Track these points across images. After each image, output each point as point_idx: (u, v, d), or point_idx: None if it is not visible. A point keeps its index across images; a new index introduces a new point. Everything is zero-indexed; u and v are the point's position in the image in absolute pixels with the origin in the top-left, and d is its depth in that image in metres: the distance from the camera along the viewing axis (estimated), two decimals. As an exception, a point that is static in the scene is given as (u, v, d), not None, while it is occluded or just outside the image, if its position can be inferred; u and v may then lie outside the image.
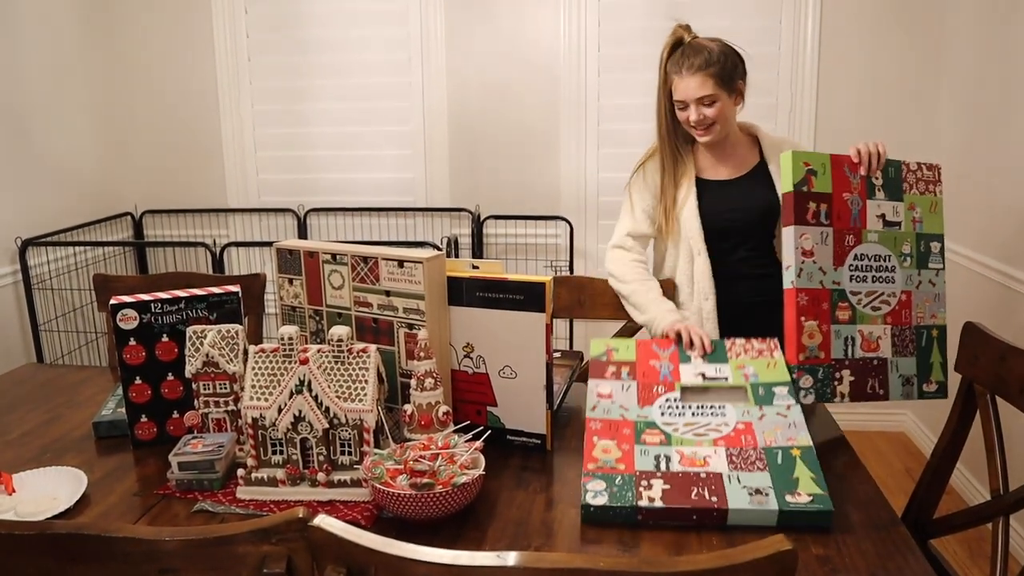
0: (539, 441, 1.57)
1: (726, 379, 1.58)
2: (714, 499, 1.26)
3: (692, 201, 2.04)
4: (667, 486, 1.29)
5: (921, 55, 3.23)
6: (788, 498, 1.25)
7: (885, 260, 1.69)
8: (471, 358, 1.59)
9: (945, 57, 3.19)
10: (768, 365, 1.61)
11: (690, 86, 1.92)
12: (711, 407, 1.50)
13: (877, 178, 1.73)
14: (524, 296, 1.52)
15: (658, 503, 1.26)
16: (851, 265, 1.67)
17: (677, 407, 1.50)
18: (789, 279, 1.65)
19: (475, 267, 1.59)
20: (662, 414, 1.49)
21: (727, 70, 1.92)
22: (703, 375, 1.60)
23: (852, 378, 1.63)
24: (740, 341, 1.70)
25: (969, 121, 3.01)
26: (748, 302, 2.05)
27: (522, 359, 1.55)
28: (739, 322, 1.99)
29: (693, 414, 1.48)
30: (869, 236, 1.69)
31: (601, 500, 1.27)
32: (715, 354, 1.67)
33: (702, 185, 2.06)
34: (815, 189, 1.67)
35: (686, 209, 2.04)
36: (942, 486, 1.64)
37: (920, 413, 3.43)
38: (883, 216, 1.71)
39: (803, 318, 1.62)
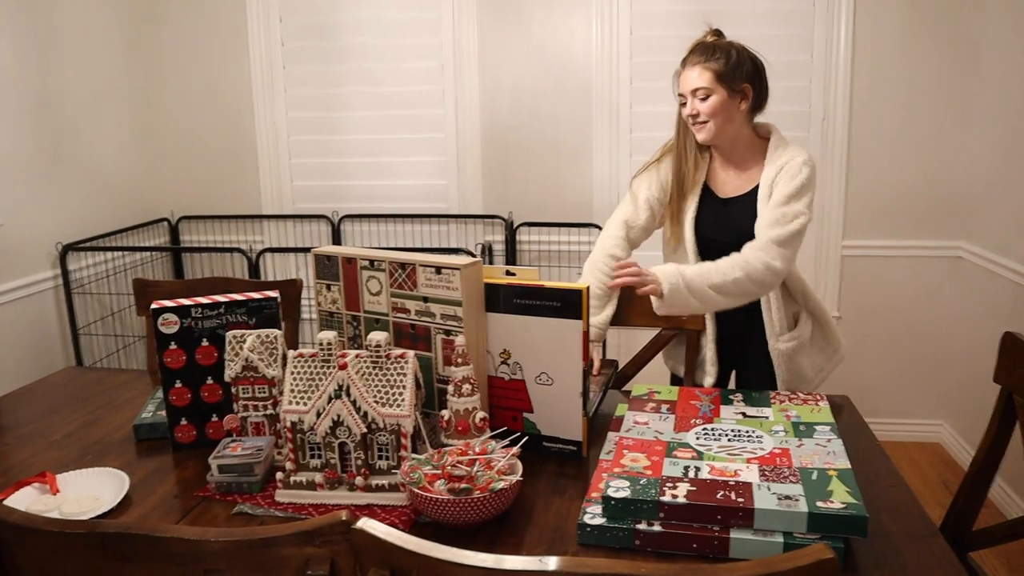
0: (575, 448, 1.57)
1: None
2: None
3: (691, 214, 2.02)
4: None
5: (956, 60, 3.20)
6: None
7: (747, 432, 1.49)
8: (508, 364, 1.60)
9: (981, 62, 3.15)
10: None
11: (688, 78, 1.91)
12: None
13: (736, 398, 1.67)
14: (561, 303, 1.52)
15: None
16: (697, 432, 1.50)
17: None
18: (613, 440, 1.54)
19: (511, 273, 1.60)
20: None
21: (730, 67, 1.89)
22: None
23: (692, 488, 1.27)
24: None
25: (1006, 129, 2.97)
26: (733, 319, 2.04)
27: (558, 366, 1.55)
28: (732, 334, 2.02)
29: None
30: (723, 422, 1.54)
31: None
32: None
33: (706, 198, 2.03)
34: (658, 397, 1.68)
35: (686, 222, 2.03)
36: (981, 497, 1.62)
37: (956, 424, 3.38)
38: (743, 413, 1.59)
39: (625, 451, 1.43)
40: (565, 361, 1.54)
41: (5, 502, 1.36)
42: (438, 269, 1.53)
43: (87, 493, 1.46)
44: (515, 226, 3.52)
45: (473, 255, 3.22)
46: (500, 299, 1.58)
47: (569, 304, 1.51)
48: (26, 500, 1.43)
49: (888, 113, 3.28)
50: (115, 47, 3.55)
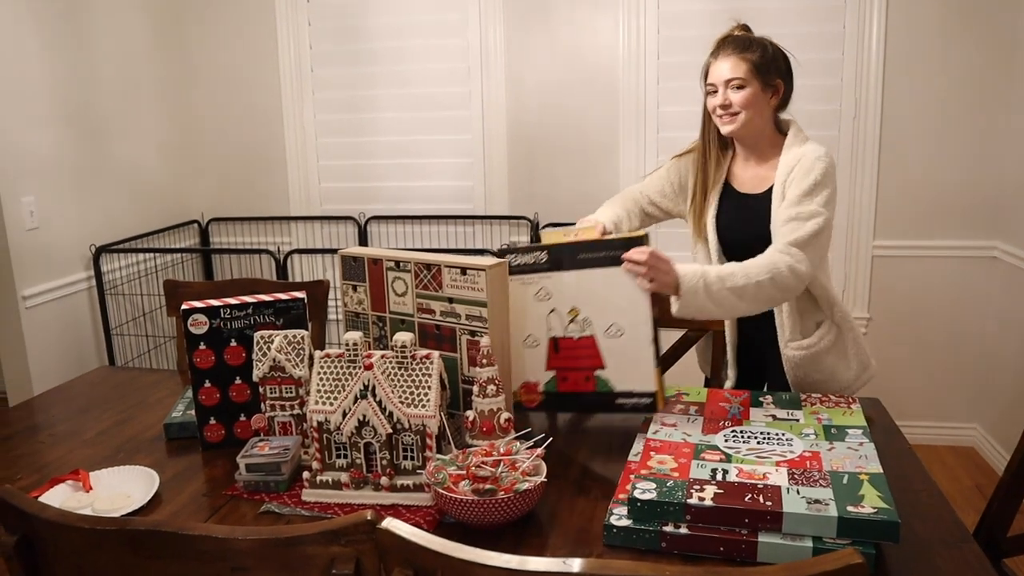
0: (650, 399, 1.57)
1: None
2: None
3: (712, 211, 1.99)
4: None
5: (991, 57, 3.14)
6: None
7: (776, 435, 1.47)
8: (576, 323, 1.61)
9: (1017, 58, 3.10)
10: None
11: (722, 68, 1.87)
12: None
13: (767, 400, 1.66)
14: (623, 251, 1.56)
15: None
16: (726, 435, 1.48)
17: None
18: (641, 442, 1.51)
19: (573, 233, 1.64)
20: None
21: (765, 60, 1.86)
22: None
23: (719, 491, 1.25)
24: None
25: (1043, 127, 2.92)
26: (749, 320, 1.98)
27: (627, 315, 1.56)
28: (750, 336, 1.98)
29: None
30: (752, 424, 1.53)
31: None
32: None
33: (727, 195, 1.99)
34: (686, 399, 1.66)
35: (708, 219, 1.99)
36: (1016, 503, 1.59)
37: (991, 428, 3.33)
38: (772, 415, 1.57)
39: (653, 453, 1.42)
40: (633, 310, 1.56)
41: (40, 499, 1.39)
42: (463, 270, 1.53)
43: (119, 491, 1.48)
44: (541, 227, 3.52)
45: (499, 256, 3.22)
46: (564, 259, 1.60)
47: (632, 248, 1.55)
48: (60, 497, 1.46)
49: (921, 111, 3.23)
50: (146, 52, 3.60)
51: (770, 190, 1.91)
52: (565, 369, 1.64)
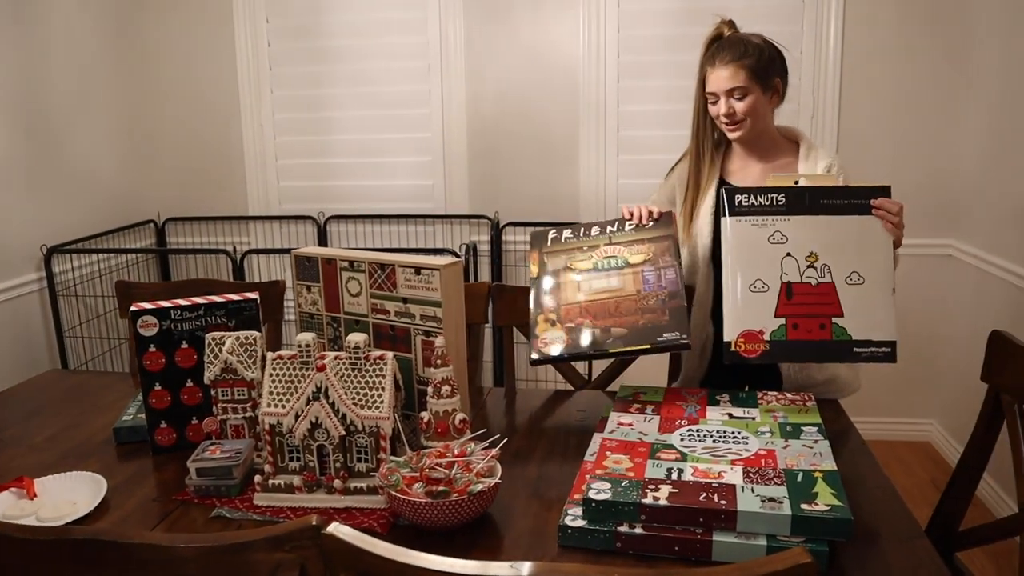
0: (889, 348, 1.56)
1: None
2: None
3: (708, 203, 1.95)
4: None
5: (947, 58, 3.19)
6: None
7: (732, 434, 1.47)
8: (815, 268, 1.59)
9: (972, 62, 3.15)
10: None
11: (721, 77, 1.85)
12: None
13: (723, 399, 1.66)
14: (869, 199, 1.59)
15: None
16: (682, 434, 1.48)
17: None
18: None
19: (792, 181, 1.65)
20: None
21: (763, 64, 1.85)
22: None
23: (674, 491, 1.25)
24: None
25: (997, 127, 2.97)
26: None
27: (869, 263, 1.57)
28: (737, 369, 1.89)
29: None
30: (709, 423, 1.53)
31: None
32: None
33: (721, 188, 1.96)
34: (643, 398, 1.67)
35: (701, 214, 1.96)
36: (968, 498, 1.61)
37: (946, 423, 3.38)
38: (729, 414, 1.58)
39: (608, 452, 1.41)
40: (877, 258, 1.57)
41: (-21, 508, 1.35)
42: (417, 270, 1.52)
43: (65, 498, 1.44)
44: (501, 226, 3.51)
45: (457, 255, 3.20)
46: (804, 203, 1.60)
47: (880, 197, 1.59)
48: (3, 506, 1.41)
49: (877, 110, 3.27)
50: (99, 47, 3.52)
51: None
52: (797, 316, 1.60)
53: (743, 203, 1.66)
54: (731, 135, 1.92)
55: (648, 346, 1.63)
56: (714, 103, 1.90)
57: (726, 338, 1.65)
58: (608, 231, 1.83)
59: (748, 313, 1.64)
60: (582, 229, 1.87)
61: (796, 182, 1.67)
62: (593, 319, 1.68)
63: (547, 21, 3.42)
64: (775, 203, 1.65)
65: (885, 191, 1.66)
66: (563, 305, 1.72)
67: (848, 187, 1.66)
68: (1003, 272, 2.85)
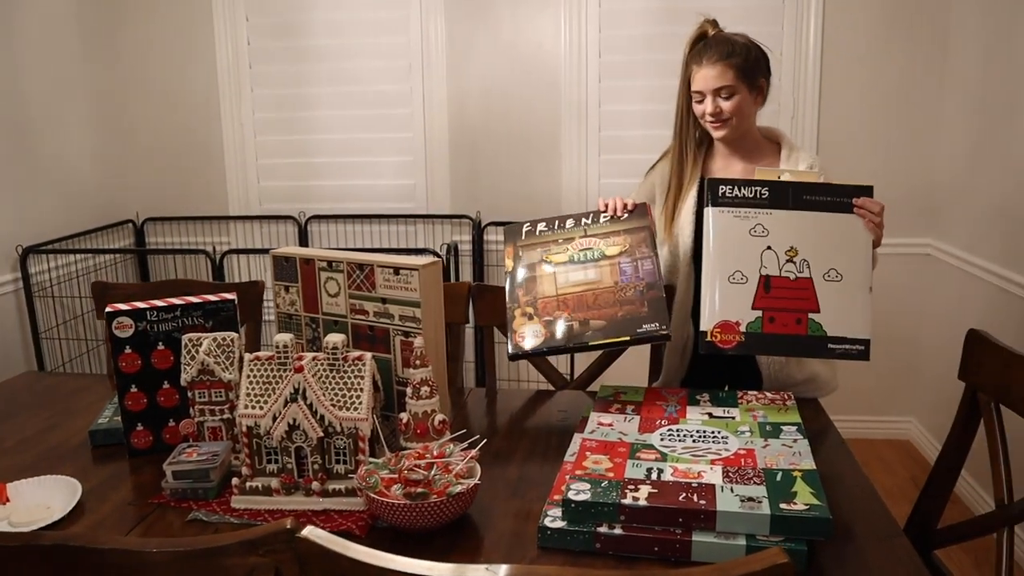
0: (863, 347, 1.57)
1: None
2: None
3: (690, 202, 1.95)
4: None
5: (925, 58, 3.21)
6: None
7: (712, 433, 1.48)
8: (794, 263, 1.60)
9: (950, 62, 3.18)
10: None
11: (708, 76, 1.84)
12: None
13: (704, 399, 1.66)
14: (851, 197, 1.61)
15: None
16: (662, 434, 1.48)
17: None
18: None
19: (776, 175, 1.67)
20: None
21: (749, 63, 1.86)
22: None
23: (654, 491, 1.24)
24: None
25: (974, 127, 2.99)
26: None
27: (848, 261, 1.58)
28: (717, 368, 1.89)
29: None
30: (689, 423, 1.53)
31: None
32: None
33: (702, 187, 1.94)
34: (623, 398, 1.66)
35: (683, 213, 1.96)
36: (945, 496, 1.62)
37: (925, 421, 3.40)
38: (709, 413, 1.58)
39: (588, 453, 1.41)
40: (855, 256, 1.58)
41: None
42: (396, 270, 1.51)
43: (38, 502, 1.42)
44: (483, 226, 3.50)
45: (438, 255, 3.19)
46: (787, 197, 1.60)
47: (862, 197, 1.60)
48: (-27, 511, 1.39)
49: (857, 110, 3.29)
50: (77, 43, 3.49)
51: None
52: (774, 309, 1.61)
53: (727, 194, 1.67)
54: (716, 134, 1.92)
55: (628, 338, 1.62)
56: (700, 102, 1.90)
57: (703, 327, 1.66)
58: (583, 223, 1.82)
59: (726, 304, 1.64)
60: (556, 222, 1.85)
61: (779, 177, 1.68)
62: (571, 312, 1.67)
63: (528, 21, 3.41)
64: (758, 196, 1.66)
65: (868, 191, 1.67)
66: (540, 298, 1.71)
67: (832, 185, 1.67)
68: (981, 271, 2.87)
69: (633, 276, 1.69)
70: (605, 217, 1.84)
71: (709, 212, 1.69)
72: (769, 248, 1.62)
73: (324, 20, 3.50)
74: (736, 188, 1.67)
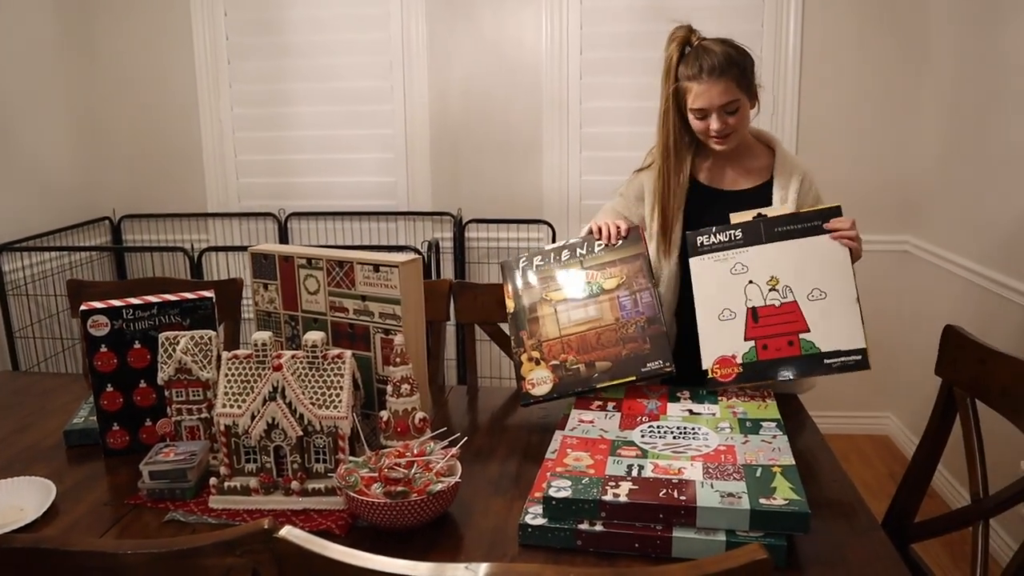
0: (859, 356, 1.59)
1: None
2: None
3: (681, 212, 1.91)
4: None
5: (904, 56, 3.24)
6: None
7: (692, 430, 1.49)
8: (777, 290, 1.64)
9: (928, 61, 3.20)
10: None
11: (712, 93, 1.76)
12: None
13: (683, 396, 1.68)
14: (823, 220, 1.67)
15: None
16: (643, 430, 1.49)
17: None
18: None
19: (762, 215, 1.72)
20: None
21: (746, 72, 1.81)
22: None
23: (634, 487, 1.26)
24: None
25: (952, 125, 3.02)
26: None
27: (829, 278, 1.63)
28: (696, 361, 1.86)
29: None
30: (669, 419, 1.55)
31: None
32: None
33: (696, 191, 1.93)
34: (604, 395, 1.68)
35: (676, 230, 1.91)
36: (922, 490, 1.63)
37: (903, 417, 3.43)
38: (689, 410, 1.60)
39: (569, 450, 1.42)
40: (836, 272, 1.63)
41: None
42: (376, 267, 1.50)
43: (11, 504, 1.40)
44: (464, 223, 3.49)
45: (419, 252, 3.18)
46: (759, 234, 1.67)
47: (832, 218, 1.66)
48: (-55, 513, 1.37)
49: (836, 108, 3.31)
50: (52, 39, 3.44)
51: (759, 188, 1.91)
52: (765, 337, 1.66)
53: (704, 244, 1.76)
54: (720, 148, 1.85)
55: (634, 378, 1.67)
56: (701, 119, 1.82)
57: (703, 366, 1.71)
58: (579, 254, 1.83)
59: (720, 341, 1.71)
60: (552, 255, 1.85)
61: (756, 216, 1.74)
62: (576, 354, 1.70)
63: (509, 17, 3.40)
64: (733, 238, 1.74)
65: (836, 211, 1.72)
66: (544, 341, 1.73)
67: (800, 213, 1.73)
68: (958, 268, 2.90)
69: (633, 311, 1.72)
70: (599, 245, 1.84)
71: (693, 262, 1.77)
72: (751, 282, 1.69)
73: (303, 16, 3.48)
74: (712, 236, 1.76)
